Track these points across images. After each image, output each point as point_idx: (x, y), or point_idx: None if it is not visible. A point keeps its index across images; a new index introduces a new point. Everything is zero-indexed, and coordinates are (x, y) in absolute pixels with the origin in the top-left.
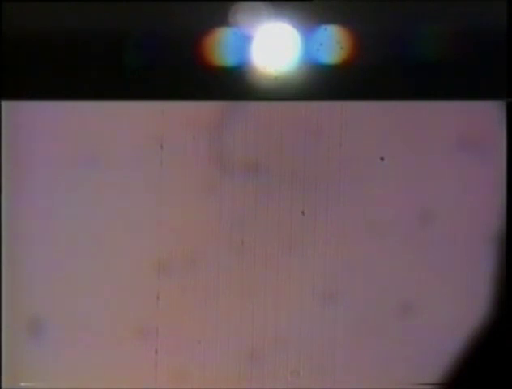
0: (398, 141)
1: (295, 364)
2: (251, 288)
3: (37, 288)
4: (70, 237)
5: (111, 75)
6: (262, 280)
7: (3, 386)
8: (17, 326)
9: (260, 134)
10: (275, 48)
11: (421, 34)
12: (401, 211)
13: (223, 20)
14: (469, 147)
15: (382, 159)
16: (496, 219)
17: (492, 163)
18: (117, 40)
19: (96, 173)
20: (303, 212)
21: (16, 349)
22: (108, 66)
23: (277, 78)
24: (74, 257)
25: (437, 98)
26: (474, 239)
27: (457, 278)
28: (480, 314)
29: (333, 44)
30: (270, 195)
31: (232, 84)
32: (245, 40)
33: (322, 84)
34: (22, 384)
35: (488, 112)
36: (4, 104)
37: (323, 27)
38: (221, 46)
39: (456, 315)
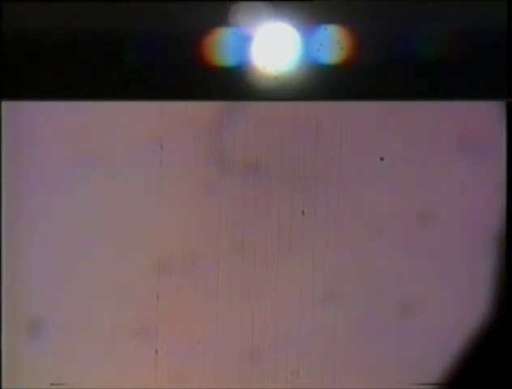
0: (398, 141)
1: (295, 364)
2: (251, 288)
3: (37, 288)
4: (70, 236)
5: (111, 75)
6: (262, 280)
7: (3, 386)
8: (17, 326)
9: (260, 134)
10: (275, 48)
11: (421, 34)
12: (401, 211)
13: (223, 20)
14: (469, 147)
15: (382, 159)
16: (496, 219)
17: (492, 163)
18: (117, 40)
19: (96, 172)
20: (303, 212)
21: (16, 349)
22: (108, 66)
23: (277, 78)
24: (74, 257)
25: (437, 98)
26: (474, 239)
27: (457, 278)
28: (480, 314)
29: (333, 44)
30: (270, 195)
31: (232, 84)
32: (245, 40)
33: (322, 84)
34: (22, 384)
35: (488, 112)
36: (4, 104)
37: (323, 27)
38: (221, 46)
39: (456, 315)
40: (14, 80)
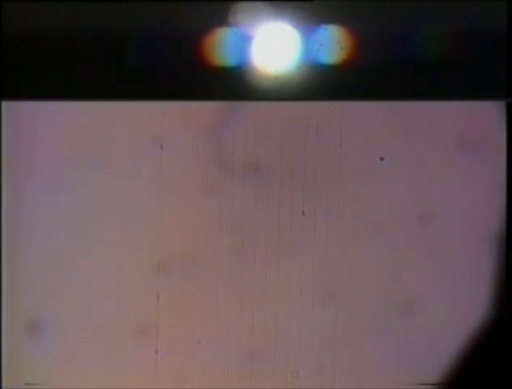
0: (398, 141)
1: (295, 364)
2: (251, 288)
3: (37, 288)
4: (70, 236)
5: (111, 75)
6: (262, 280)
7: (3, 386)
8: (17, 326)
9: (260, 134)
10: (275, 48)
11: (421, 34)
12: (401, 211)
13: (223, 20)
14: (469, 147)
15: (382, 159)
16: (496, 219)
17: (492, 163)
18: (117, 40)
19: (95, 172)
20: (303, 212)
21: (16, 349)
22: (108, 66)
23: (277, 78)
24: (74, 257)
25: (437, 98)
26: (474, 239)
27: (457, 278)
28: (480, 314)
29: (333, 44)
30: (270, 195)
31: (232, 84)
32: (245, 40)
33: (322, 84)
34: (22, 384)
35: (488, 112)
36: (4, 104)
37: (323, 27)
38: (221, 46)
39: (456, 315)
40: (15, 80)
